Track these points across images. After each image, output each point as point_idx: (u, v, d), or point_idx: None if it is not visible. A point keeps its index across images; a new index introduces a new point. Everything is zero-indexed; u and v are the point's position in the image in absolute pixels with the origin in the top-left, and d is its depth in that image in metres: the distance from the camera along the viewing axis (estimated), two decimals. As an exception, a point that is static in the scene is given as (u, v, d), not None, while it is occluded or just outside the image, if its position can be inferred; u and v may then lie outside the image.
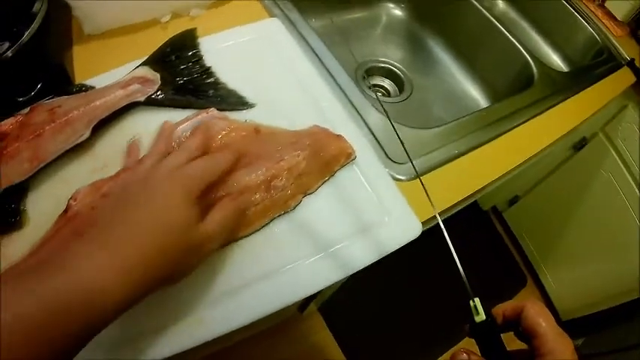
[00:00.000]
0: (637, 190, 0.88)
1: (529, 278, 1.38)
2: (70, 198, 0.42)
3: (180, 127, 0.43)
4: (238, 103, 0.47)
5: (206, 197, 0.34)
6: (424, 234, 0.44)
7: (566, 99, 0.64)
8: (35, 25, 0.51)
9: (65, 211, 0.42)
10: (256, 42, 0.52)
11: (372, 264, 0.42)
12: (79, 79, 0.52)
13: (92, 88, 0.50)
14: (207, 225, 0.32)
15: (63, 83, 0.52)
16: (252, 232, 0.40)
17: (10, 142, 0.47)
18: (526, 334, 0.29)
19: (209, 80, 0.48)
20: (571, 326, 1.21)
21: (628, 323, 0.97)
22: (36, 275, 0.25)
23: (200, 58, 0.49)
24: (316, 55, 0.53)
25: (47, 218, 0.43)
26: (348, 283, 0.56)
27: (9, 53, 0.49)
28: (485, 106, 0.71)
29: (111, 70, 0.51)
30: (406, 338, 1.18)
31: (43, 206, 0.44)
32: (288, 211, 0.41)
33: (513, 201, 1.26)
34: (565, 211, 1.10)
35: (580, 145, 0.93)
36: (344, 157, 0.44)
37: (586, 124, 0.67)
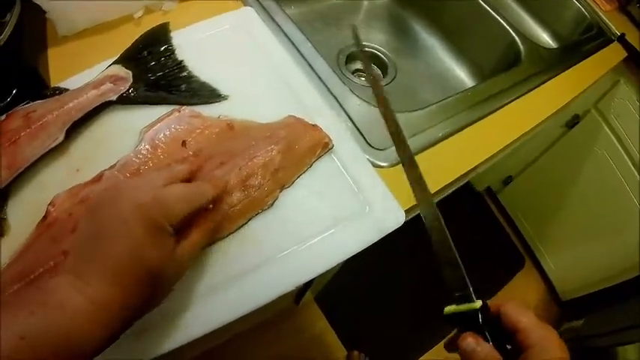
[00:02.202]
0: (632, 167, 0.86)
1: (527, 259, 1.36)
2: (49, 204, 0.42)
3: (154, 128, 0.43)
4: (211, 96, 0.46)
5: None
6: (418, 217, 0.43)
7: (555, 76, 0.62)
8: (8, 30, 0.51)
9: (44, 217, 0.42)
10: (230, 32, 0.51)
11: (364, 251, 0.42)
12: (55, 82, 0.52)
13: (66, 90, 0.49)
14: (182, 253, 0.31)
15: (38, 87, 0.52)
16: (231, 233, 0.40)
17: (-12, 150, 0.47)
18: (508, 330, 0.29)
19: (181, 74, 0.47)
20: (571, 306, 1.20)
21: (628, 302, 0.95)
22: (15, 309, 0.25)
23: (172, 52, 0.48)
24: (292, 42, 0.51)
25: (27, 224, 0.43)
26: (344, 271, 0.55)
27: (-18, 59, 0.49)
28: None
29: (85, 71, 0.50)
30: (405, 323, 1.18)
31: (23, 213, 0.44)
32: (265, 208, 0.40)
33: (507, 181, 1.23)
34: (560, 189, 1.08)
35: (572, 122, 0.91)
36: (320, 147, 0.43)
37: (578, 101, 0.65)
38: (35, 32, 0.55)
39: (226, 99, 0.46)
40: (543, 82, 0.59)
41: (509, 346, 0.29)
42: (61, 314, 0.25)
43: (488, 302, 0.30)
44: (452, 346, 0.31)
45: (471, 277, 0.31)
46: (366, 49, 0.71)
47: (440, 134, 0.50)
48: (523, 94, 0.56)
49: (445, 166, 0.50)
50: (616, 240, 0.97)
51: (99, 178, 0.43)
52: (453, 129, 0.51)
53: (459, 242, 0.32)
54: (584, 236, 1.07)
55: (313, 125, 0.44)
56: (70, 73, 0.51)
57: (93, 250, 0.29)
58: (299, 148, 0.42)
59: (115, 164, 0.43)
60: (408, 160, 0.37)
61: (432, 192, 0.47)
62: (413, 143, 0.48)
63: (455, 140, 0.52)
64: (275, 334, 1.06)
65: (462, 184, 0.58)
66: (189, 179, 0.35)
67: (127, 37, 0.51)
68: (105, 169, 0.43)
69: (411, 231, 0.43)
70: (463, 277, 0.31)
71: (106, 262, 0.28)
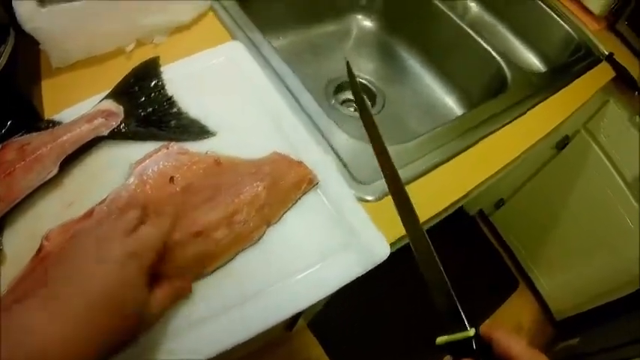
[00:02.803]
0: (623, 186, 0.88)
1: (521, 281, 1.38)
2: (44, 237, 0.43)
3: (143, 164, 0.45)
4: (200, 132, 0.48)
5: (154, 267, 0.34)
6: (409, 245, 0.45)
7: (545, 99, 0.63)
8: (2, 60, 0.52)
9: (39, 250, 0.43)
10: (218, 67, 0.53)
11: (357, 280, 0.43)
12: (48, 113, 0.53)
13: (59, 123, 0.51)
14: (153, 304, 0.33)
15: (32, 119, 0.53)
16: (217, 268, 0.41)
17: (-16, 181, 0.49)
18: (500, 357, 0.30)
19: (172, 110, 0.49)
20: (566, 326, 1.21)
21: (622, 319, 0.97)
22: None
23: (162, 87, 0.50)
24: (279, 76, 0.53)
25: (23, 255, 0.44)
26: (337, 298, 0.57)
27: (-22, 90, 0.51)
28: (460, 114, 0.71)
29: (78, 104, 0.52)
30: (398, 350, 1.18)
31: (19, 243, 0.45)
32: (252, 243, 0.42)
33: (499, 204, 1.25)
34: (552, 210, 1.10)
35: (563, 144, 0.93)
36: (305, 183, 0.45)
37: (567, 123, 0.66)
38: (29, 63, 0.57)
39: (215, 135, 0.48)
40: (533, 107, 0.61)
41: None
42: (32, 344, 0.26)
43: (480, 327, 0.32)
44: None
45: (465, 300, 0.32)
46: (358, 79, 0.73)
47: (430, 164, 0.52)
48: (512, 120, 0.58)
49: (436, 194, 0.52)
50: (608, 259, 0.98)
51: (90, 213, 0.44)
52: (442, 158, 0.53)
53: (451, 266, 0.33)
54: (577, 256, 1.09)
55: (298, 162, 0.46)
56: (64, 105, 0.53)
57: (69, 285, 0.30)
58: (284, 184, 0.44)
59: (104, 200, 0.45)
60: (394, 186, 0.38)
61: (424, 219, 0.50)
62: (404, 174, 0.50)
63: (445, 169, 0.54)
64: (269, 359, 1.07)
65: (452, 210, 0.60)
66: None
67: (119, 71, 0.53)
68: (96, 205, 0.45)
69: (404, 258, 0.44)
70: (455, 306, 0.32)
71: (81, 299, 0.29)
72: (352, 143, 0.50)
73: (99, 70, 0.56)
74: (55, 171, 0.47)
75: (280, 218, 0.44)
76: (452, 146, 0.54)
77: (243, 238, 0.42)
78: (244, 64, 0.53)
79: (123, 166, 0.47)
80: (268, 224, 0.43)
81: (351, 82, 0.44)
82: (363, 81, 0.74)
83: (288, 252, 0.43)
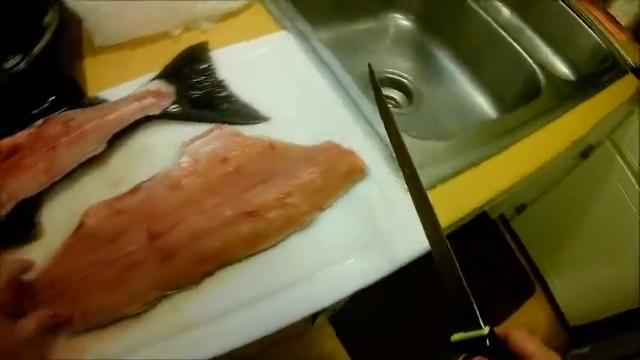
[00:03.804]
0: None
1: (537, 286, 1.40)
2: (83, 214, 0.44)
3: (196, 143, 0.46)
4: (252, 116, 0.49)
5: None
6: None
7: (572, 108, 0.65)
8: (47, 37, 0.53)
9: (79, 226, 0.44)
10: (267, 55, 0.54)
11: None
12: (91, 92, 0.54)
13: (105, 101, 0.51)
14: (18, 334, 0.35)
15: (75, 96, 0.54)
16: (269, 247, 0.42)
17: (24, 154, 0.49)
18: (515, 356, 0.31)
19: (222, 94, 0.50)
20: (579, 333, 1.23)
21: (634, 329, 0.99)
22: None
23: (213, 71, 0.51)
24: (328, 67, 0.55)
25: (62, 230, 0.45)
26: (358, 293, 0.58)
27: (22, 65, 0.51)
28: (493, 117, 0.73)
29: (124, 83, 0.53)
30: (414, 348, 1.19)
31: (58, 218, 0.46)
32: (303, 227, 0.43)
33: (521, 209, 1.28)
34: (573, 218, 1.12)
35: (586, 152, 0.95)
36: (356, 172, 0.46)
37: (592, 132, 0.69)
38: (73, 40, 0.57)
39: (267, 120, 0.49)
40: (562, 114, 0.63)
41: None
42: None
43: (495, 328, 0.32)
44: None
45: (482, 302, 0.33)
46: (392, 75, 0.75)
47: (462, 165, 0.53)
48: (541, 127, 0.60)
49: (467, 195, 0.53)
50: (626, 269, 1.00)
51: (136, 190, 0.45)
52: (477, 159, 0.54)
53: (470, 267, 0.34)
54: (595, 264, 1.11)
55: (350, 151, 0.47)
56: (107, 84, 0.53)
57: None
58: (337, 172, 0.45)
59: (154, 177, 0.45)
60: (414, 184, 0.39)
61: (452, 222, 0.51)
62: (439, 172, 0.51)
63: (477, 171, 0.55)
64: (286, 348, 1.06)
65: (479, 212, 0.62)
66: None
67: (164, 54, 0.54)
68: (144, 181, 0.45)
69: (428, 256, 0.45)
70: (471, 304, 0.33)
71: None
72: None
73: (144, 52, 0.56)
74: (101, 148, 0.48)
75: (331, 205, 0.45)
76: (483, 150, 0.55)
77: (295, 221, 0.43)
78: (293, 55, 0.54)
79: (172, 147, 0.47)
80: (320, 210, 0.44)
81: (372, 85, 0.45)
82: (400, 78, 0.76)
83: (338, 237, 0.44)
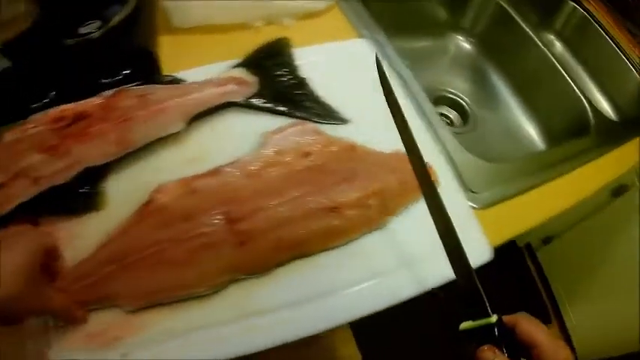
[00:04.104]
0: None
1: (554, 319, 1.40)
2: (153, 190, 0.44)
3: (279, 135, 0.46)
4: (333, 117, 0.50)
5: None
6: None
7: (614, 148, 0.68)
8: (128, 8, 0.52)
9: (148, 202, 0.43)
10: (347, 60, 0.55)
11: None
12: (165, 70, 0.54)
13: (182, 81, 0.52)
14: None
15: (151, 71, 0.54)
16: (342, 244, 0.43)
17: (93, 122, 0.48)
18: (524, 345, 0.31)
19: (304, 91, 0.51)
20: None
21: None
22: None
23: (295, 68, 0.52)
24: (401, 78, 0.56)
25: (126, 203, 0.45)
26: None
27: (96, 34, 0.51)
28: (539, 146, 0.77)
29: (200, 67, 0.53)
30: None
31: (125, 191, 0.46)
32: (376, 229, 0.44)
33: (548, 240, 1.31)
34: (597, 255, 1.14)
35: (619, 191, 0.96)
36: (429, 184, 0.48)
37: (627, 172, 0.72)
38: (151, 16, 0.57)
39: (347, 123, 0.50)
40: (603, 154, 0.65)
41: None
42: None
43: (503, 317, 0.32)
44: None
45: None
46: (450, 95, 0.78)
47: (508, 192, 0.55)
48: (583, 164, 0.63)
49: (514, 220, 0.55)
50: None
51: (215, 172, 0.45)
52: (519, 189, 0.56)
53: (490, 292, 0.34)
54: (612, 304, 1.13)
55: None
56: (181, 66, 0.53)
57: None
58: (413, 182, 0.46)
59: (234, 162, 0.45)
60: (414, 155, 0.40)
61: (499, 243, 0.53)
62: (494, 194, 0.53)
63: (517, 201, 0.56)
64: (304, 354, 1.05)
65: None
66: None
67: (244, 44, 0.54)
68: (223, 165, 0.45)
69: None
70: (479, 292, 0.33)
71: None
72: (460, 151, 0.54)
73: (221, 39, 0.57)
74: (181, 126, 0.48)
75: (401, 212, 0.46)
76: (534, 177, 0.58)
77: (371, 222, 0.44)
78: (370, 62, 0.56)
79: (251, 135, 0.48)
80: (393, 215, 0.45)
81: (381, 80, 0.44)
82: (458, 99, 0.80)
83: (405, 242, 0.45)
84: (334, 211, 0.42)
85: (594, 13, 0.83)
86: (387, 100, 0.42)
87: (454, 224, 0.46)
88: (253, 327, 0.39)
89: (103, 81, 0.53)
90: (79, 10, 0.51)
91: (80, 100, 0.50)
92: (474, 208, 0.51)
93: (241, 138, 0.48)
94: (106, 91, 0.51)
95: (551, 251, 1.35)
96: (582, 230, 1.17)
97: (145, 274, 0.40)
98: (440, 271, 0.44)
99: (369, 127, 0.50)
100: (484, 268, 0.36)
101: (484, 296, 0.33)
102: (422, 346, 1.23)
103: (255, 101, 0.49)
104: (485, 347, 0.30)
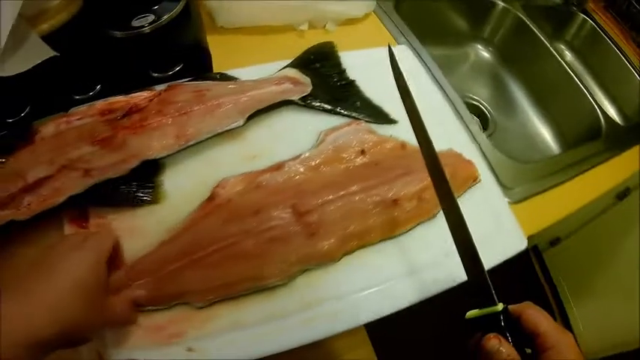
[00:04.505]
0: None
1: (559, 321, 1.43)
2: (216, 186, 0.46)
3: (336, 133, 0.49)
4: (383, 118, 0.53)
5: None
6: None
7: (622, 152, 0.72)
8: (181, 5, 0.53)
9: (212, 197, 0.45)
10: (387, 64, 0.59)
11: None
12: (213, 69, 0.56)
13: (235, 78, 0.53)
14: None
15: (204, 68, 0.55)
16: (400, 234, 0.47)
17: (150, 115, 0.49)
18: (528, 334, 0.32)
19: (354, 92, 0.54)
20: None
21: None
22: None
23: (343, 70, 0.55)
24: (437, 82, 0.61)
25: (186, 197, 0.46)
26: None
27: (147, 29, 0.52)
28: (555, 150, 0.83)
29: (253, 65, 0.55)
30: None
31: (183, 185, 0.47)
32: (429, 219, 0.48)
33: (555, 242, 1.35)
34: (603, 257, 1.19)
35: (623, 194, 1.00)
36: (472, 179, 0.52)
37: (632, 176, 0.78)
38: (199, 14, 0.59)
39: (396, 123, 0.54)
40: (612, 157, 0.70)
41: (528, 350, 0.31)
42: None
43: (509, 306, 0.33)
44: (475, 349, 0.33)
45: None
46: (471, 100, 0.84)
47: (537, 189, 0.60)
48: (593, 167, 0.67)
49: (534, 218, 0.58)
50: None
51: (278, 167, 0.47)
52: (544, 187, 0.61)
53: (496, 294, 0.34)
54: (619, 307, 1.17)
55: (468, 160, 0.52)
56: (230, 64, 0.55)
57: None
58: (458, 177, 0.50)
59: (295, 157, 0.48)
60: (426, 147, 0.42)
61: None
62: (514, 193, 0.57)
63: (543, 197, 0.61)
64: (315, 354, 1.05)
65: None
66: None
67: (289, 46, 0.57)
68: (285, 160, 0.48)
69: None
70: (485, 280, 0.34)
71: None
72: (493, 151, 0.58)
73: (268, 40, 0.60)
74: (241, 122, 0.50)
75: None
76: (547, 180, 0.62)
77: (426, 213, 0.47)
78: (411, 68, 0.59)
79: (309, 133, 0.51)
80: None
81: (394, 71, 0.46)
82: (478, 104, 0.85)
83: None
84: (395, 204, 0.46)
85: (603, 25, 0.89)
86: (403, 99, 0.44)
87: (493, 217, 0.51)
88: (316, 317, 0.41)
89: (154, 75, 0.54)
90: (131, 2, 0.51)
91: (132, 94, 0.51)
92: (508, 202, 0.55)
93: (299, 136, 0.50)
94: (157, 86, 0.52)
95: (558, 253, 1.39)
96: (588, 232, 1.21)
97: (216, 268, 0.41)
98: (492, 257, 0.47)
99: (411, 130, 0.54)
100: (490, 270, 0.38)
101: (490, 285, 0.34)
102: (437, 348, 1.24)
103: (311, 100, 0.51)
104: (491, 335, 0.31)
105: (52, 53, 0.44)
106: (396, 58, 0.46)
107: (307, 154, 0.48)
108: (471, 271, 0.35)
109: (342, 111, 0.52)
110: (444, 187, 0.39)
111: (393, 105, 0.55)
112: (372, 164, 0.48)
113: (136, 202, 0.46)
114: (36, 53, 0.44)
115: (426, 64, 0.62)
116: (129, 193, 0.46)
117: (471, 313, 0.33)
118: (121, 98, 0.51)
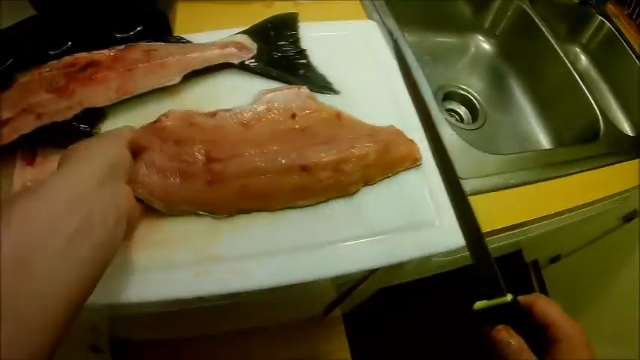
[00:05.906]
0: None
1: None
2: (163, 114, 0.47)
3: (273, 93, 0.49)
4: (324, 87, 0.52)
5: None
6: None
7: (624, 161, 0.67)
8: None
9: (155, 121, 0.47)
10: (351, 38, 0.58)
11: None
12: (177, 33, 0.58)
13: (188, 42, 0.55)
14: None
15: (162, 31, 0.58)
16: (308, 205, 0.45)
17: (100, 69, 0.53)
18: (539, 325, 0.31)
19: (301, 61, 0.53)
20: None
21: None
22: None
23: (297, 40, 0.55)
24: (406, 68, 0.57)
25: None
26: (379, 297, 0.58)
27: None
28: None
29: (209, 32, 0.56)
30: None
31: None
32: (347, 195, 0.46)
33: (555, 259, 1.29)
34: (603, 280, 1.13)
35: (630, 217, 0.95)
36: (410, 160, 0.48)
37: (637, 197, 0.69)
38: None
39: (338, 94, 0.52)
40: (612, 164, 0.65)
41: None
42: None
43: (518, 297, 0.33)
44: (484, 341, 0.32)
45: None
46: (463, 92, 0.80)
47: (510, 181, 0.56)
48: (587, 171, 0.62)
49: (505, 211, 0.55)
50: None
51: (214, 114, 0.48)
52: (522, 181, 0.57)
53: None
54: (613, 329, 1.08)
55: (410, 140, 0.49)
56: (194, 30, 0.57)
57: None
58: (393, 155, 0.47)
59: (231, 109, 0.48)
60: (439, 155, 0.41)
61: (485, 231, 0.52)
62: (485, 183, 0.55)
63: (519, 191, 0.57)
64: (294, 337, 1.06)
65: (512, 242, 0.62)
66: None
67: (256, 15, 0.58)
68: (222, 110, 0.48)
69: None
70: (494, 271, 0.33)
71: None
72: (455, 139, 0.55)
73: (234, 9, 0.61)
74: (177, 79, 0.51)
75: (377, 182, 0.47)
76: (531, 173, 0.58)
77: (341, 188, 0.45)
78: (375, 44, 0.58)
79: (245, 94, 0.50)
80: (365, 183, 0.46)
81: (398, 58, 0.47)
82: (470, 96, 0.81)
83: (375, 212, 0.46)
84: (305, 170, 0.44)
85: (622, 30, 0.83)
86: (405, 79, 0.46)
87: (427, 204, 0.47)
88: (207, 273, 0.41)
89: (118, 35, 0.58)
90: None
91: (95, 51, 0.55)
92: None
93: (237, 96, 0.50)
94: (120, 45, 0.56)
95: (558, 271, 1.33)
96: (591, 252, 1.15)
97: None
98: (397, 250, 0.45)
99: (360, 102, 0.52)
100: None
101: (499, 275, 0.33)
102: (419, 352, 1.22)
103: (249, 64, 0.51)
104: (500, 327, 0.31)
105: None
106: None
107: (240, 109, 0.48)
108: (478, 260, 0.34)
109: (281, 76, 0.51)
110: (449, 177, 0.39)
111: (341, 76, 0.54)
112: (299, 129, 0.47)
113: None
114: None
115: (397, 46, 0.59)
116: (68, 135, 0.50)
117: (479, 305, 0.32)
118: (85, 54, 0.55)
